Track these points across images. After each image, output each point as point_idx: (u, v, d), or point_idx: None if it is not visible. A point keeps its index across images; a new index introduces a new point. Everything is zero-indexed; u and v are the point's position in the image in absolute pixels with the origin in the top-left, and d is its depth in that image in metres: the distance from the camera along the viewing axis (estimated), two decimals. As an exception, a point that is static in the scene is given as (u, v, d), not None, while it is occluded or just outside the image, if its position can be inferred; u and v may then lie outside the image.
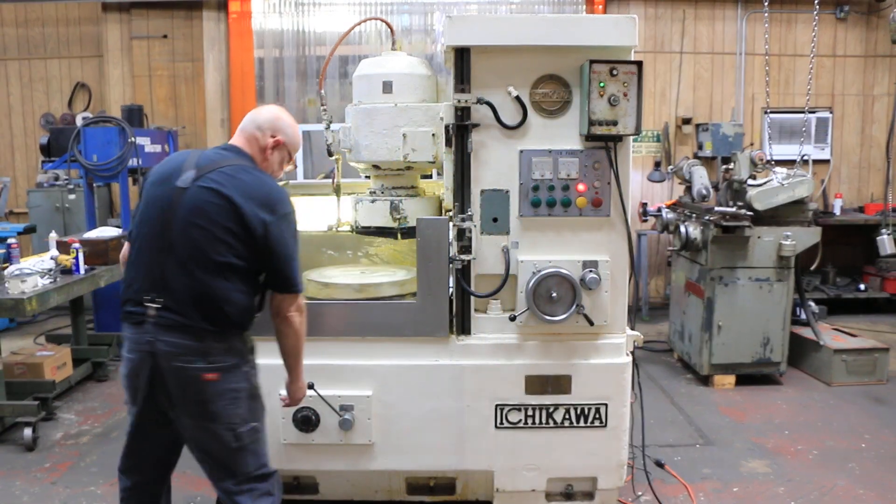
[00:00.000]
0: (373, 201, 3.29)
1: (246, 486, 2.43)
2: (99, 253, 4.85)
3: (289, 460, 3.10)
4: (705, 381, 5.29)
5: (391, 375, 3.04)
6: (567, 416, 3.07)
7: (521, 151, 2.93)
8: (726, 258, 5.09)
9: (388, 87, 3.20)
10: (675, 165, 6.13)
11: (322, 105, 3.41)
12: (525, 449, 3.10)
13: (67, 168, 6.66)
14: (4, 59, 7.92)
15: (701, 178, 5.54)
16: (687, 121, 7.61)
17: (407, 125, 3.15)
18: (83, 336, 5.47)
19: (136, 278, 2.40)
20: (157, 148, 6.99)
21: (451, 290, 3.03)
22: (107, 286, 4.98)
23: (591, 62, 2.79)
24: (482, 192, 2.95)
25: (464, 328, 3.05)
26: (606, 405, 3.07)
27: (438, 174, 3.67)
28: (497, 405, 3.06)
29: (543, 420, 3.07)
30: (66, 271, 4.50)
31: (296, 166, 2.73)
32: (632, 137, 2.94)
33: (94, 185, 6.61)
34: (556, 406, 3.06)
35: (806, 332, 5.50)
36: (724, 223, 4.96)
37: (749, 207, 5.04)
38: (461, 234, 2.94)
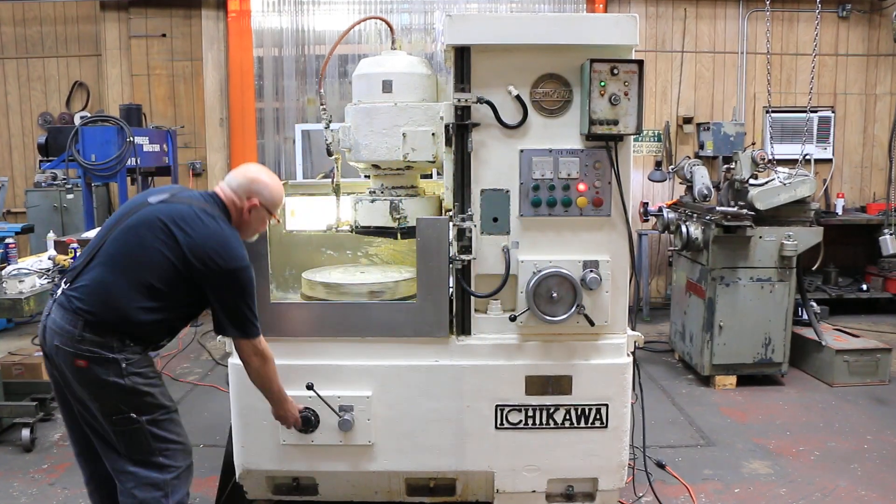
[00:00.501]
0: (372, 201, 3.28)
1: (131, 468, 2.48)
2: (97, 253, 4.82)
3: (288, 461, 3.09)
4: (706, 381, 5.27)
5: (391, 376, 3.02)
6: (568, 417, 3.05)
7: (522, 151, 2.91)
8: (727, 258, 5.07)
9: (387, 86, 3.18)
10: (676, 165, 6.11)
11: (321, 104, 3.39)
12: (525, 450, 3.08)
13: (65, 167, 6.64)
14: (2, 57, 7.91)
15: (702, 177, 5.53)
16: (688, 120, 7.59)
17: (407, 124, 3.13)
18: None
19: (72, 266, 2.59)
20: (156, 147, 6.98)
21: (451, 290, 3.01)
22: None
23: (592, 61, 2.77)
24: (482, 191, 2.94)
25: (464, 328, 3.03)
26: (607, 406, 3.05)
27: (438, 174, 3.65)
28: (497, 406, 3.05)
29: (544, 421, 3.05)
30: (64, 271, 4.47)
31: (279, 221, 2.77)
32: (633, 137, 2.92)
33: (93, 184, 6.61)
34: (557, 407, 3.04)
35: (808, 333, 5.48)
36: (726, 223, 4.94)
37: (750, 207, 5.02)
38: (461, 234, 2.93)
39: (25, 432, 4.10)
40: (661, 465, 3.88)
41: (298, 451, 3.06)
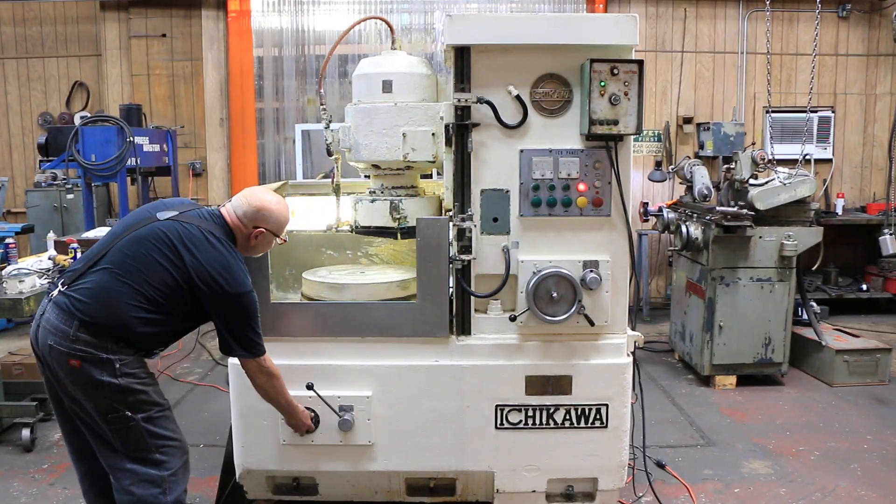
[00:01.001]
0: (372, 201, 3.28)
1: (128, 465, 2.50)
2: (97, 253, 4.82)
3: (288, 461, 3.09)
4: (706, 381, 5.27)
5: (391, 376, 3.02)
6: (567, 417, 3.05)
7: (522, 151, 2.91)
8: (727, 258, 5.07)
9: (387, 86, 3.18)
10: (676, 165, 6.11)
11: (321, 104, 3.39)
12: (525, 450, 3.08)
13: (65, 167, 6.65)
14: (2, 57, 7.91)
15: (702, 177, 5.53)
16: (688, 120, 7.59)
17: (407, 124, 3.13)
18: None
19: (71, 268, 2.60)
20: (156, 147, 6.99)
21: (451, 290, 3.01)
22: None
23: (592, 61, 2.77)
24: (482, 191, 2.93)
25: (464, 328, 3.03)
26: (607, 406, 3.05)
27: (438, 174, 3.65)
28: (497, 406, 3.04)
29: (544, 421, 3.05)
30: (62, 272, 4.47)
31: (286, 241, 2.85)
32: (633, 137, 2.92)
33: (93, 184, 6.61)
34: (557, 407, 3.04)
35: (807, 333, 5.48)
36: (726, 223, 4.94)
37: (750, 207, 5.02)
38: (461, 234, 2.93)
39: (25, 432, 4.10)
40: (660, 465, 3.88)
41: (298, 451, 3.06)
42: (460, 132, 2.89)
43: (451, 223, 2.93)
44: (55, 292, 2.51)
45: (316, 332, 3.02)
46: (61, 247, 4.71)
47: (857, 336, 5.62)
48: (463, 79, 2.87)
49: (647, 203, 6.31)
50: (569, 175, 2.92)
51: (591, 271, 2.91)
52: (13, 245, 4.61)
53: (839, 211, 7.58)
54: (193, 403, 4.92)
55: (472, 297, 2.99)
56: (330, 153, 3.34)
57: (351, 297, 3.15)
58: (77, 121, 7.10)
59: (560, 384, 3.04)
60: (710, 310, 5.12)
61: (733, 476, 3.84)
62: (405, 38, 7.55)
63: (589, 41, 2.83)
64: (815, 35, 5.76)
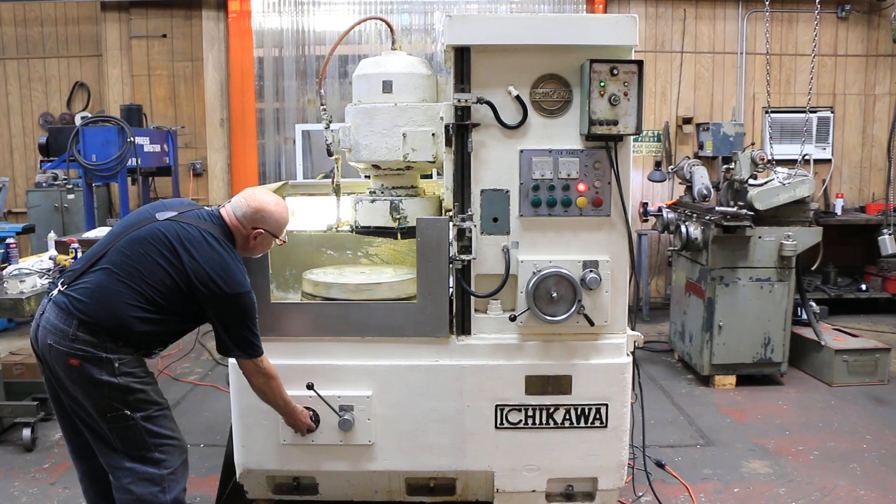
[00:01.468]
0: (373, 201, 3.28)
1: (127, 464, 2.51)
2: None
3: (289, 461, 3.09)
4: (706, 381, 5.28)
5: (391, 376, 3.03)
6: (567, 417, 3.06)
7: (522, 151, 2.92)
8: (727, 258, 5.08)
9: (387, 86, 3.18)
10: (675, 165, 6.12)
11: (322, 104, 3.39)
12: (525, 449, 3.08)
13: (66, 168, 6.65)
14: (3, 58, 7.92)
15: (701, 177, 5.53)
16: (687, 120, 7.60)
17: (407, 125, 3.14)
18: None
19: (71, 268, 2.62)
20: (157, 147, 6.99)
21: (451, 290, 3.02)
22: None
23: (592, 61, 2.77)
24: (482, 191, 2.94)
25: (464, 328, 3.04)
26: (607, 405, 3.06)
27: (438, 174, 3.66)
28: (497, 405, 3.05)
29: (544, 420, 3.06)
30: (62, 272, 4.48)
31: (285, 242, 2.85)
32: (632, 137, 2.92)
33: (93, 184, 6.61)
34: (557, 406, 3.05)
35: (807, 333, 5.49)
36: (725, 223, 4.95)
37: (750, 207, 5.03)
38: (461, 234, 2.93)
39: (26, 432, 4.11)
40: (660, 465, 3.89)
41: (299, 450, 3.07)
42: (460, 132, 2.90)
43: (451, 223, 2.94)
44: (55, 292, 2.52)
45: (316, 332, 3.03)
46: (62, 247, 4.71)
47: (856, 336, 5.62)
48: (463, 79, 2.87)
49: (646, 203, 6.32)
50: (569, 175, 2.92)
51: (591, 271, 2.92)
52: (14, 245, 4.62)
53: (838, 211, 7.59)
54: (194, 403, 4.93)
55: (472, 297, 3.00)
56: (330, 153, 3.35)
57: (351, 297, 3.15)
58: (78, 121, 7.10)
59: (560, 384, 3.04)
60: (709, 310, 5.13)
61: (733, 476, 3.85)
62: (405, 38, 7.55)
63: (589, 41, 2.83)
64: (815, 35, 5.76)
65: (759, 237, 5.05)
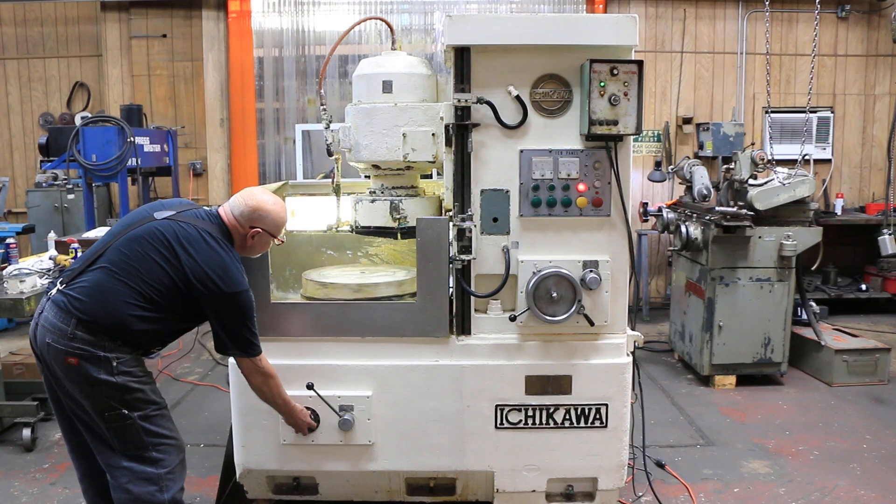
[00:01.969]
0: (373, 201, 3.28)
1: (125, 464, 2.52)
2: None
3: (289, 461, 3.09)
4: (706, 381, 5.28)
5: (391, 376, 3.03)
6: (567, 417, 3.06)
7: (522, 151, 2.92)
8: (727, 258, 5.08)
9: (387, 86, 3.18)
10: (675, 165, 6.12)
11: (322, 104, 3.39)
12: (525, 449, 3.08)
13: (66, 168, 6.65)
14: (3, 58, 7.92)
15: (701, 177, 5.53)
16: (687, 120, 7.60)
17: (407, 125, 3.14)
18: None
19: (70, 267, 2.63)
20: (157, 147, 6.99)
21: (451, 290, 3.02)
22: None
23: (592, 61, 2.77)
24: (482, 191, 2.94)
25: (464, 328, 3.04)
26: (607, 405, 3.06)
27: (438, 174, 3.66)
28: (497, 405, 3.05)
29: (544, 420, 3.06)
30: (62, 272, 4.48)
31: (283, 242, 2.85)
32: (632, 137, 2.92)
33: (93, 184, 6.61)
34: (557, 406, 3.05)
35: (807, 333, 5.49)
36: (725, 223, 4.95)
37: (750, 207, 5.03)
38: (461, 234, 2.93)
39: (26, 432, 4.11)
40: (660, 465, 3.89)
41: (299, 450, 3.07)
42: (460, 132, 2.90)
43: (451, 223, 2.94)
44: (54, 291, 2.52)
45: (316, 332, 3.03)
46: (62, 247, 4.71)
47: (856, 336, 5.63)
48: (463, 79, 2.87)
49: (646, 203, 6.32)
50: (568, 175, 2.92)
51: (591, 271, 2.92)
52: (14, 245, 4.62)
53: (838, 211, 7.59)
54: (193, 403, 4.93)
55: (472, 297, 3.00)
56: (330, 153, 3.35)
57: (351, 297, 3.15)
58: (78, 121, 7.11)
59: (560, 384, 3.04)
60: (709, 310, 5.13)
61: (733, 476, 3.85)
62: (405, 38, 7.55)
63: (589, 42, 2.83)
64: (815, 35, 5.76)
65: (759, 237, 5.05)
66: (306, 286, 3.32)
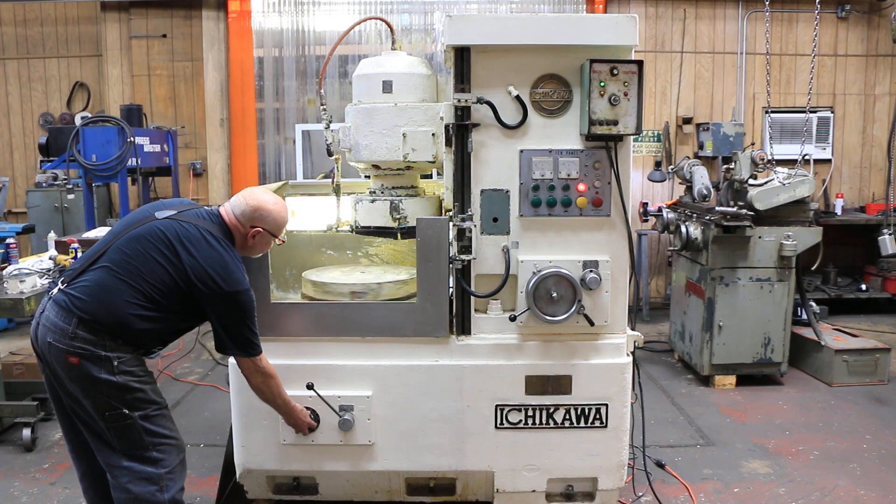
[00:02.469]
0: (373, 201, 3.28)
1: (125, 463, 2.52)
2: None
3: (289, 461, 3.09)
4: (706, 381, 5.28)
5: (391, 376, 3.03)
6: (567, 417, 3.06)
7: (522, 151, 2.92)
8: (727, 258, 5.08)
9: (387, 86, 3.18)
10: (675, 165, 6.12)
11: (322, 104, 3.39)
12: (525, 449, 3.08)
13: (66, 168, 6.65)
14: (3, 58, 7.92)
15: (701, 177, 5.53)
16: (687, 120, 7.60)
17: (407, 125, 3.14)
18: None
19: (72, 267, 2.63)
20: (157, 147, 6.99)
21: (451, 290, 3.02)
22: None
23: (592, 61, 2.77)
24: (482, 191, 2.94)
25: (464, 328, 3.04)
26: (607, 405, 3.06)
27: (438, 174, 3.66)
28: (497, 405, 3.05)
29: (544, 420, 3.06)
30: (63, 271, 4.48)
31: (284, 242, 2.84)
32: (632, 137, 2.92)
33: (93, 184, 6.61)
34: (557, 406, 3.05)
35: (807, 333, 5.49)
36: (725, 223, 4.95)
37: (750, 207, 5.03)
38: (461, 234, 2.93)
39: (26, 432, 4.11)
40: (660, 465, 3.89)
41: (299, 450, 3.07)
42: (460, 132, 2.90)
43: (451, 223, 2.94)
44: (55, 290, 2.53)
45: (316, 332, 3.03)
46: (62, 247, 4.71)
47: (856, 336, 5.63)
48: (463, 79, 2.87)
49: (646, 203, 6.32)
50: (568, 175, 2.92)
51: (591, 271, 2.92)
52: (14, 245, 4.62)
53: (838, 211, 7.59)
54: (194, 403, 4.93)
55: (472, 297, 3.00)
56: (330, 153, 3.35)
57: (351, 297, 3.15)
58: (78, 121, 7.11)
59: (560, 384, 3.04)
60: (709, 310, 5.13)
61: (733, 476, 3.85)
62: (405, 38, 7.55)
63: (589, 41, 2.84)
64: (815, 35, 5.76)
65: (759, 237, 5.05)
66: (306, 286, 3.32)
